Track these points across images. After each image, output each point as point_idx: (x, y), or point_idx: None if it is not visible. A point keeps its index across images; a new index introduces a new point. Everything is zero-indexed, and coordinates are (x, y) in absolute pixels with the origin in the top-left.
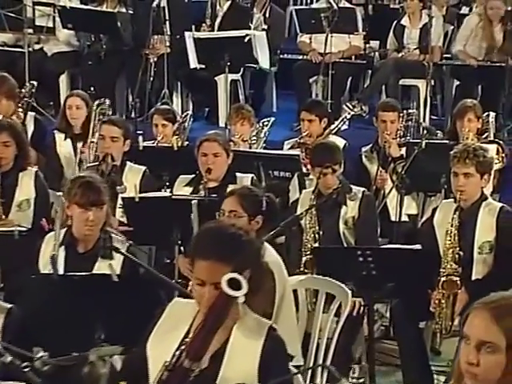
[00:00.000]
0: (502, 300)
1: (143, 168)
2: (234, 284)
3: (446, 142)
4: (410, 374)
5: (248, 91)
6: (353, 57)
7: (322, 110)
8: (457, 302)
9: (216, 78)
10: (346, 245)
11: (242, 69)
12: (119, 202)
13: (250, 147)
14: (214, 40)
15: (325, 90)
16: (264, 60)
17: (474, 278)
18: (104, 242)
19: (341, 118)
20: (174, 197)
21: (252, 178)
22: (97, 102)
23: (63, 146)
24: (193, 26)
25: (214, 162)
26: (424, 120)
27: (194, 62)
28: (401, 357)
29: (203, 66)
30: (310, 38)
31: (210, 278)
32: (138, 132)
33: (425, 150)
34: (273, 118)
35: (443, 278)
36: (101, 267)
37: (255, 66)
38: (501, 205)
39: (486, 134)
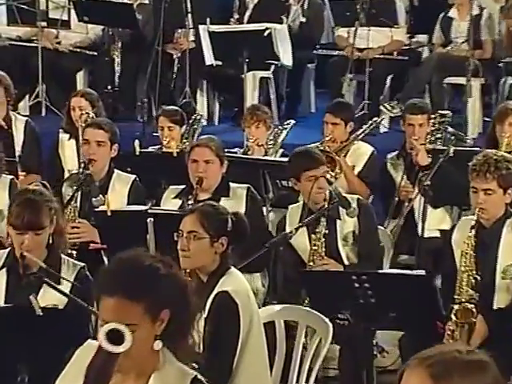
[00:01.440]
0: (440, 356)
1: (132, 177)
2: (116, 336)
3: (477, 148)
4: None
5: (284, 89)
6: (395, 53)
7: (348, 113)
8: (473, 333)
9: (243, 76)
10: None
11: (273, 65)
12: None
13: (266, 153)
14: (230, 34)
15: (351, 88)
16: (286, 56)
17: (495, 306)
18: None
19: (370, 122)
20: (150, 211)
21: (248, 188)
22: None
23: (67, 146)
24: (207, 19)
25: (205, 170)
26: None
27: (209, 59)
28: None
29: (220, 63)
30: (348, 32)
31: (115, 319)
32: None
33: (452, 158)
34: (293, 121)
35: (456, 306)
36: (46, 294)
37: (276, 63)
38: None
39: None
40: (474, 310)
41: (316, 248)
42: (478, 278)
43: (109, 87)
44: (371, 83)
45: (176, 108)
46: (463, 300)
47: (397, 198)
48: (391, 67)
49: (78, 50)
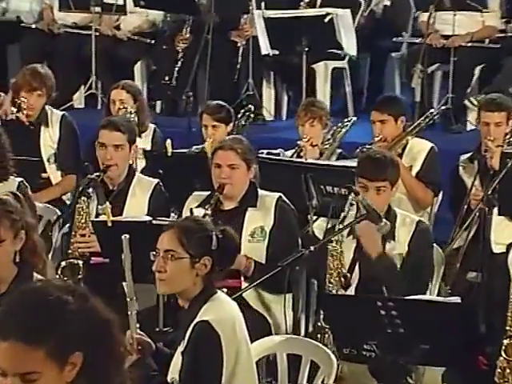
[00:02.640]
0: None
1: (155, 181)
2: None
3: None
4: None
5: (366, 81)
6: (486, 40)
7: (397, 108)
8: None
9: (314, 66)
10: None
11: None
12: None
13: (321, 154)
14: (287, 20)
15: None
16: (350, 45)
17: None
18: None
19: (425, 115)
20: (155, 222)
21: (279, 197)
22: None
23: None
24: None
25: (229, 175)
26: None
27: (265, 48)
28: None
29: (276, 52)
30: (434, 18)
31: (11, 367)
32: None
33: None
34: (354, 118)
35: (506, 341)
36: None
37: (339, 52)
38: None
39: None
40: None
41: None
42: None
43: (166, 78)
44: (456, 74)
45: (222, 104)
46: None
47: (466, 206)
48: (480, 57)
49: (137, 37)
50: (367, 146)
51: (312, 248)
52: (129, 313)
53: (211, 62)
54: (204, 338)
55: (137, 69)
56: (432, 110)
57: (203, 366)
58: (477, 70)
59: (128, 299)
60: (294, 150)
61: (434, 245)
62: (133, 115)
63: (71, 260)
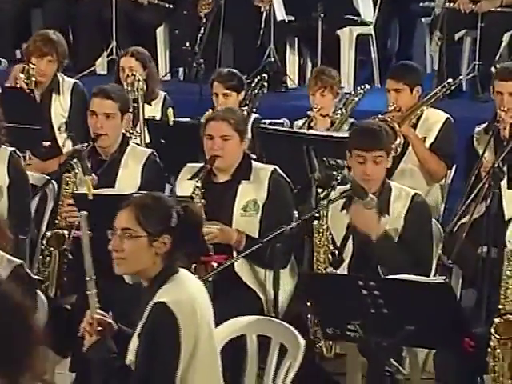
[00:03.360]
0: None
1: (148, 151)
2: None
3: None
4: None
5: (395, 47)
6: None
7: (413, 76)
8: None
9: (338, 32)
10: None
11: (374, 20)
12: None
13: (332, 124)
14: None
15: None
16: (367, 11)
17: None
18: None
19: (441, 86)
20: (135, 195)
21: (274, 170)
22: None
23: None
24: None
25: (221, 147)
26: None
27: (280, 14)
28: None
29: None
30: None
31: None
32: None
33: None
34: (368, 86)
35: (497, 319)
36: None
37: (356, 18)
38: None
39: None
40: None
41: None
42: None
43: (187, 44)
44: (484, 41)
45: (233, 71)
46: (506, 312)
47: (474, 178)
48: (510, 22)
49: (157, 1)
50: (379, 116)
51: (293, 224)
52: (88, 292)
53: (234, 27)
54: (160, 320)
55: (159, 34)
56: (449, 80)
57: (159, 349)
58: (506, 37)
59: (87, 278)
60: (304, 120)
61: (433, 220)
62: (141, 83)
63: (56, 230)
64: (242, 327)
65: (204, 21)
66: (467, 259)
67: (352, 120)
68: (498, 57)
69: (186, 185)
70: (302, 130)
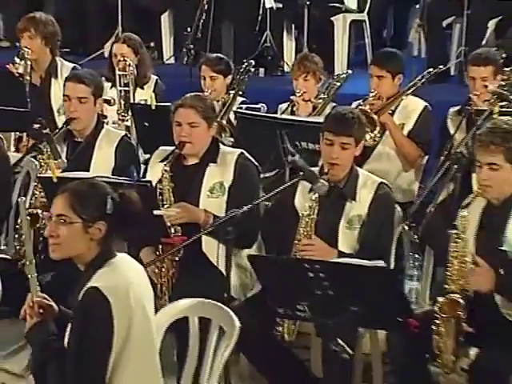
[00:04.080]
0: None
1: (122, 133)
2: None
3: None
4: None
5: (390, 33)
6: None
7: (395, 65)
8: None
9: (333, 19)
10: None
11: (368, 5)
12: None
13: (314, 109)
14: None
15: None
16: None
17: None
18: None
19: (421, 75)
20: (99, 178)
21: (240, 154)
22: None
23: (109, 96)
24: None
25: (189, 133)
26: None
27: (269, 1)
28: None
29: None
30: None
31: None
32: None
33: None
34: (350, 71)
35: (441, 299)
36: None
37: (340, 6)
38: None
39: None
40: (461, 301)
41: (304, 225)
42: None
43: (189, 29)
44: (470, 27)
45: (221, 56)
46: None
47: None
48: (495, 9)
49: None
50: (361, 104)
51: (245, 208)
52: (28, 276)
53: (233, 14)
54: (93, 304)
55: (164, 19)
56: (430, 69)
57: (91, 332)
58: (491, 23)
59: (27, 263)
60: (287, 104)
61: (396, 206)
62: (132, 67)
63: (31, 210)
64: (183, 310)
65: (206, 7)
66: (436, 238)
67: (334, 104)
68: (484, 42)
69: (157, 167)
70: (275, 115)
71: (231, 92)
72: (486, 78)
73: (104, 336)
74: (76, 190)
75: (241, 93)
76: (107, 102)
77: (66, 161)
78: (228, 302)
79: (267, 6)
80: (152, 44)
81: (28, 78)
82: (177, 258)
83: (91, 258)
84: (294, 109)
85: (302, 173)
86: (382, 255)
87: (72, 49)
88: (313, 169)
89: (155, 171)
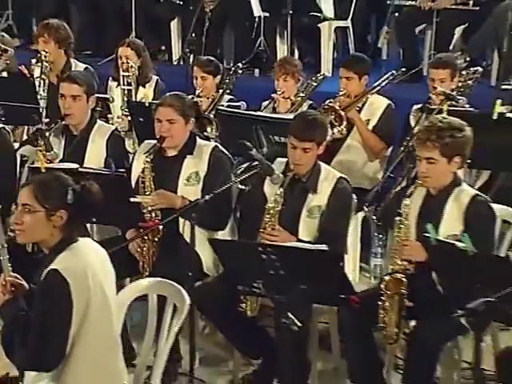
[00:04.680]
0: None
1: (112, 127)
2: None
3: (471, 110)
4: None
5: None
6: (471, 3)
7: (362, 67)
8: (403, 304)
9: (319, 25)
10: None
11: (351, 14)
12: None
13: (293, 105)
14: None
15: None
16: (327, 8)
17: None
18: None
19: (386, 76)
20: (80, 169)
21: (215, 147)
22: None
23: (114, 93)
24: None
25: (168, 129)
26: None
27: (257, 10)
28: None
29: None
30: None
31: None
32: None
33: None
34: (328, 74)
35: (387, 277)
36: None
37: (319, 15)
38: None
39: None
40: (404, 279)
41: (269, 216)
42: None
43: (193, 35)
44: (439, 34)
45: (211, 58)
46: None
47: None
48: (461, 18)
49: None
50: (330, 102)
51: (207, 197)
52: (1, 258)
53: (233, 21)
54: (52, 285)
55: (173, 25)
56: (393, 71)
57: (51, 311)
58: (457, 30)
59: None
60: (268, 102)
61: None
62: (134, 68)
63: None
64: (143, 288)
65: (209, 15)
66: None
67: (311, 102)
68: (451, 47)
69: (141, 159)
70: (251, 112)
71: (220, 90)
72: (444, 80)
73: (63, 313)
74: (40, 182)
75: (228, 91)
76: (107, 99)
77: (57, 152)
78: (201, 278)
79: (255, 14)
80: (163, 47)
81: (45, 78)
82: (156, 239)
83: (54, 243)
84: (275, 105)
85: (258, 165)
86: (336, 241)
87: (93, 51)
88: (283, 160)
89: (140, 161)
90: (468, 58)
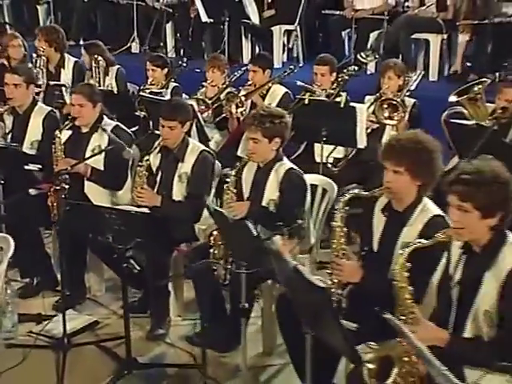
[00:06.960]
0: None
1: (48, 108)
2: None
3: (325, 99)
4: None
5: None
6: (385, 13)
7: (264, 62)
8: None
9: (272, 29)
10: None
11: (298, 18)
12: None
13: (221, 92)
14: None
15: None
16: (254, 16)
17: None
18: None
19: (287, 70)
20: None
21: (116, 126)
22: None
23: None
24: None
25: (79, 111)
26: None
27: (204, 16)
28: None
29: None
30: None
31: None
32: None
33: (307, 105)
34: (249, 67)
35: (215, 232)
36: None
37: (249, 22)
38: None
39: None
40: None
41: (139, 178)
42: None
43: (178, 35)
44: (359, 37)
45: (161, 55)
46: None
47: None
48: (375, 25)
49: (163, 7)
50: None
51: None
52: None
53: (209, 26)
54: None
55: (168, 28)
56: (291, 66)
57: None
58: (372, 35)
59: None
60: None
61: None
62: (101, 62)
63: None
64: None
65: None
66: None
67: (234, 89)
68: (368, 47)
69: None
70: (151, 96)
71: (170, 79)
72: (324, 74)
73: None
74: None
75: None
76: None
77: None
78: None
79: (203, 20)
80: (161, 44)
81: (43, 68)
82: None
83: None
84: (205, 91)
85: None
86: (199, 198)
87: (111, 45)
88: None
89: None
90: (377, 56)
